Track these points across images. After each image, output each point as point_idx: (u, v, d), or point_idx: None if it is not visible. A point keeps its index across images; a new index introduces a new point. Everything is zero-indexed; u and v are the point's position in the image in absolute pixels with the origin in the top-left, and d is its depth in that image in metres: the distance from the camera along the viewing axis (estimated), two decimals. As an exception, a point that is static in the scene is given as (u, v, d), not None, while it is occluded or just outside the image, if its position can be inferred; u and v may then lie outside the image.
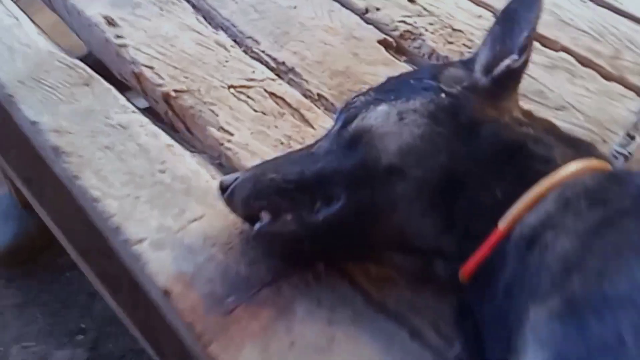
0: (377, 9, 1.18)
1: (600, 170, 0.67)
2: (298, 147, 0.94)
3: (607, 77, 1.06)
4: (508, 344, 0.57)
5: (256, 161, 0.91)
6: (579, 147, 0.71)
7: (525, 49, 0.72)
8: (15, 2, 1.28)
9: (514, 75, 0.73)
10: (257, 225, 0.76)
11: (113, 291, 1.18)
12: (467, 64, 0.77)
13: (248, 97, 1.03)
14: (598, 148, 0.73)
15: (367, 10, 1.19)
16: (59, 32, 1.35)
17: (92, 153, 0.93)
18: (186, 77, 1.06)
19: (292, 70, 1.08)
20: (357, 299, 0.75)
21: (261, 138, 0.95)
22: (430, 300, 0.74)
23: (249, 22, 1.19)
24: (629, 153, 0.94)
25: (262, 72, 1.08)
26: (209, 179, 0.89)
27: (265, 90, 1.04)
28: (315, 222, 0.72)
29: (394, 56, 1.10)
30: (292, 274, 0.76)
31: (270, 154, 0.92)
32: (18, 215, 1.96)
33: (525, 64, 0.73)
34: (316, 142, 0.79)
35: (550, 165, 0.67)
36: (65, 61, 1.10)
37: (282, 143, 0.94)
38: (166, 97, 1.04)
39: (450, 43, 1.10)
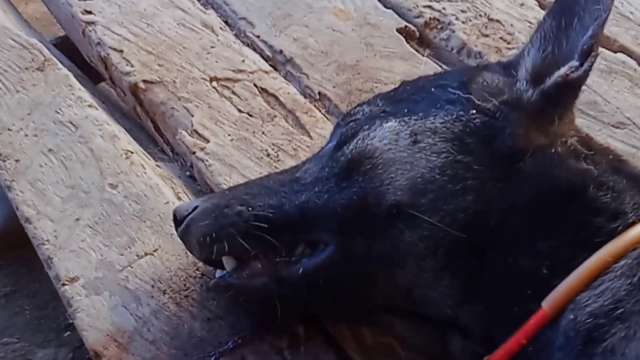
0: (399, -10, 0.97)
1: None
2: (288, 160, 0.75)
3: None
4: None
5: (234, 177, 0.72)
6: None
7: (589, 54, 0.51)
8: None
9: (571, 89, 0.53)
10: (218, 273, 0.57)
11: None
12: (509, 69, 0.57)
13: (233, 93, 0.83)
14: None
15: (386, -9, 0.98)
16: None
17: (33, 157, 0.75)
18: (160, 65, 0.87)
19: (290, 61, 0.89)
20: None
21: (243, 147, 0.76)
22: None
23: (245, 4, 0.99)
24: None
25: (253, 61, 0.88)
26: (171, 200, 0.70)
27: (255, 86, 0.84)
28: (294, 275, 0.54)
29: (415, 49, 0.89)
30: (261, 337, 0.58)
31: (253, 168, 0.73)
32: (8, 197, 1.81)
33: (587, 74, 0.52)
34: (304, 163, 0.60)
35: (618, 222, 0.47)
36: (20, 40, 0.91)
37: (268, 155, 0.75)
38: (134, 89, 0.85)
39: (485, 36, 0.89)
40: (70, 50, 1.03)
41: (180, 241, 0.60)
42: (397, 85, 0.61)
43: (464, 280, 0.50)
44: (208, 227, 0.56)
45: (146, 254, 0.65)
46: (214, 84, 0.85)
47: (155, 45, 0.90)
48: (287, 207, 0.54)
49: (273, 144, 0.76)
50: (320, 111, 0.82)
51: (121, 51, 0.89)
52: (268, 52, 0.91)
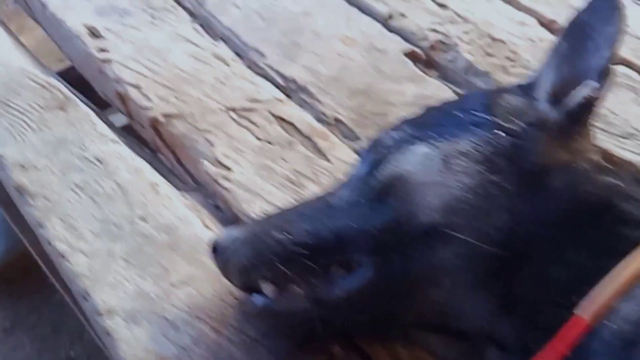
0: (402, 15, 1.01)
1: None
2: (310, 185, 0.77)
3: (681, 95, 0.88)
4: None
5: (259, 204, 0.75)
6: None
7: (607, 74, 0.55)
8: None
9: (590, 107, 0.56)
10: (258, 300, 0.59)
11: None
12: (527, 90, 0.60)
13: (251, 122, 0.86)
14: None
15: (390, 17, 1.01)
16: (48, 49, 1.20)
17: (61, 194, 0.77)
18: (178, 99, 0.90)
19: (303, 88, 0.92)
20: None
21: (265, 174, 0.78)
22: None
23: (253, 31, 1.02)
24: None
25: (268, 91, 0.91)
26: (200, 229, 0.72)
27: (272, 114, 0.87)
28: (332, 297, 0.56)
29: (423, 71, 0.93)
30: (299, 359, 0.60)
31: (277, 194, 0.76)
32: (7, 230, 1.82)
33: (605, 93, 0.55)
34: (336, 189, 0.63)
35: None
36: (39, 80, 0.94)
37: (291, 181, 0.77)
38: (154, 123, 0.87)
39: (490, 55, 0.92)
40: (76, 81, 1.04)
41: (219, 269, 0.62)
42: (422, 111, 0.64)
43: (499, 294, 0.52)
44: (249, 256, 0.58)
45: (181, 284, 0.66)
46: (232, 114, 0.87)
47: (171, 80, 0.93)
48: (324, 232, 0.57)
49: (294, 170, 0.79)
50: (336, 136, 0.84)
51: (138, 87, 0.92)
52: (280, 81, 0.93)
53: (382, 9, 1.03)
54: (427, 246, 0.53)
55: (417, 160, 0.56)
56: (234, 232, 0.61)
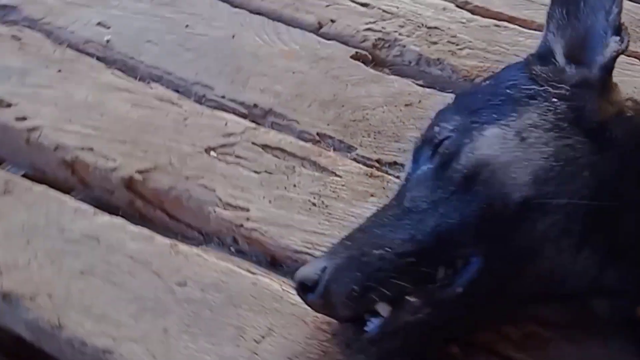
0: (332, 21, 1.04)
1: None
2: (334, 202, 0.77)
3: None
4: None
5: (297, 234, 0.73)
6: None
7: (623, 28, 0.63)
8: None
9: (616, 60, 0.64)
10: (371, 325, 0.58)
11: None
12: (545, 59, 0.67)
13: (238, 157, 0.83)
14: None
15: (320, 25, 1.04)
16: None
17: (65, 285, 0.68)
18: (145, 151, 0.84)
19: (270, 112, 0.90)
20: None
21: (285, 204, 0.77)
22: (592, 350, 0.62)
23: (184, 64, 0.98)
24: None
25: (235, 122, 0.88)
26: (252, 277, 0.69)
27: (254, 144, 0.85)
28: (453, 296, 0.57)
29: (378, 70, 0.96)
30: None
31: (308, 220, 0.74)
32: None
33: (628, 44, 0.64)
34: (399, 194, 0.64)
35: None
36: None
37: (313, 204, 0.77)
38: (128, 183, 0.81)
39: (434, 43, 0.99)
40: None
41: (313, 306, 0.60)
42: (456, 100, 0.68)
43: (602, 248, 0.58)
44: (354, 280, 0.57)
45: (264, 337, 0.63)
46: (212, 153, 0.84)
47: (124, 133, 0.86)
48: (421, 236, 0.58)
49: (311, 193, 0.78)
50: (329, 151, 0.85)
51: (91, 149, 0.84)
52: (242, 109, 0.91)
53: (309, 18, 1.05)
54: (525, 221, 0.57)
55: (493, 143, 0.59)
56: (317, 264, 0.60)
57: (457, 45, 0.98)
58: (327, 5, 1.06)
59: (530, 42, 0.99)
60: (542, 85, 0.63)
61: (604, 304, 0.60)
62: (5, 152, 0.90)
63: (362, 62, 0.98)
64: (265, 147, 0.85)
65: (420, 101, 0.90)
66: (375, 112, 0.89)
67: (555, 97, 0.62)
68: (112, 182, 0.81)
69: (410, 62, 0.98)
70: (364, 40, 1.01)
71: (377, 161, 0.83)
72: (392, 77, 0.95)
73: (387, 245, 0.58)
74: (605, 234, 0.58)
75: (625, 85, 0.69)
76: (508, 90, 0.64)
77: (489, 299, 0.59)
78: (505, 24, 1.03)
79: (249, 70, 0.96)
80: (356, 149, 0.85)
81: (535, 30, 1.02)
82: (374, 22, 1.03)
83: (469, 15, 1.04)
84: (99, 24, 1.03)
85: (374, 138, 0.86)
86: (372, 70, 0.96)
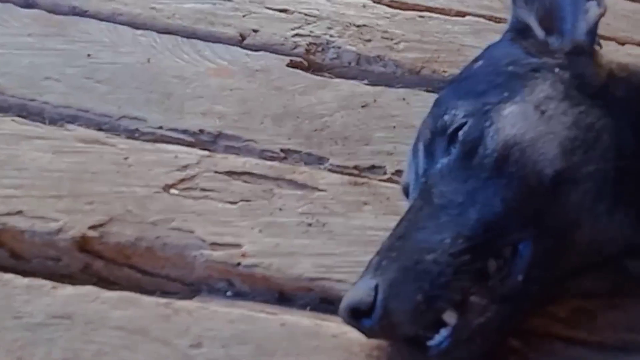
0: (255, 31, 0.98)
1: None
2: (330, 219, 0.71)
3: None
4: None
5: (308, 260, 0.66)
6: None
7: None
8: None
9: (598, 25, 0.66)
10: (441, 336, 0.54)
11: None
12: (523, 33, 0.67)
13: (203, 190, 0.74)
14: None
15: (243, 37, 0.97)
16: None
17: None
18: (90, 203, 0.71)
19: (220, 135, 0.82)
20: (569, 350, 0.60)
21: (278, 231, 0.69)
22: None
23: (100, 98, 0.86)
24: None
25: (186, 153, 0.79)
26: (276, 317, 0.61)
27: (218, 172, 0.76)
28: (515, 286, 0.55)
29: (319, 76, 0.92)
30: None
31: (312, 245, 0.68)
32: None
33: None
34: (423, 194, 0.60)
35: None
36: None
37: (310, 225, 0.70)
38: (81, 244, 0.68)
39: (369, 40, 0.97)
40: None
41: (376, 333, 0.54)
42: (449, 88, 0.66)
43: (633, 206, 0.59)
44: (417, 292, 0.52)
45: (318, 384, 0.56)
46: (173, 191, 0.74)
47: (56, 186, 0.73)
48: (467, 232, 0.55)
49: (301, 213, 0.71)
50: (302, 166, 0.79)
51: (20, 212, 0.70)
52: (187, 138, 0.82)
53: (228, 31, 0.98)
54: (560, 195, 0.57)
55: (516, 121, 0.58)
56: (366, 284, 0.54)
57: (392, 40, 0.97)
58: (244, 16, 1.00)
59: (459, 28, 1.01)
60: (540, 58, 0.63)
61: (637, 265, 0.61)
62: None
63: (300, 69, 0.93)
64: (230, 173, 0.76)
65: (375, 100, 0.88)
66: (334, 118, 0.85)
67: (557, 67, 0.62)
68: (59, 246, 0.68)
69: (350, 63, 0.95)
70: (295, 47, 0.96)
71: (355, 168, 0.79)
72: (338, 80, 0.91)
73: (437, 247, 0.54)
74: (634, 192, 0.59)
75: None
76: (510, 68, 0.63)
77: (543, 281, 0.57)
78: (428, 14, 1.03)
79: (181, 95, 0.87)
80: (328, 159, 0.80)
81: (456, 17, 1.04)
82: (300, 27, 0.98)
83: (390, 9, 1.04)
84: (-23, 67, 0.88)
85: (343, 145, 0.82)
86: (314, 76, 0.92)
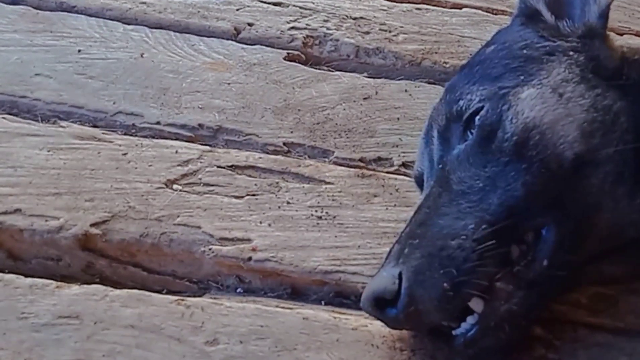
0: (250, 25, 0.97)
1: None
2: (340, 211, 0.71)
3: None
4: None
5: (320, 253, 0.65)
6: None
7: None
8: None
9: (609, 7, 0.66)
10: (467, 324, 0.53)
11: None
12: (530, 18, 0.68)
13: (207, 185, 0.73)
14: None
15: (237, 31, 0.96)
16: None
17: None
18: (91, 200, 0.70)
19: (220, 130, 0.81)
20: (594, 337, 0.60)
21: (288, 225, 0.68)
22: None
23: (94, 94, 0.84)
24: None
25: (186, 148, 0.78)
26: (292, 311, 0.60)
27: (220, 167, 0.75)
28: (540, 271, 0.55)
29: (317, 69, 0.91)
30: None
31: (324, 237, 0.67)
32: None
33: None
34: (441, 180, 0.60)
35: None
36: None
37: (320, 218, 0.69)
38: (83, 242, 0.67)
39: (367, 33, 0.96)
40: None
41: (401, 323, 0.54)
42: (461, 74, 0.65)
43: None
44: (443, 279, 0.52)
45: (339, 377, 0.55)
46: (176, 186, 0.72)
47: (54, 183, 0.72)
48: (489, 216, 0.55)
49: (310, 207, 0.71)
50: (306, 159, 0.78)
51: (18, 210, 0.68)
52: (187, 133, 0.81)
53: (222, 25, 0.97)
54: (580, 178, 0.57)
55: (534, 104, 0.58)
56: (389, 273, 0.54)
57: (391, 32, 0.96)
58: (238, 9, 0.99)
59: (457, 20, 1.02)
60: (554, 41, 0.63)
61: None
62: None
63: (298, 62, 0.92)
64: (233, 168, 0.75)
65: (377, 92, 0.87)
66: (336, 110, 0.84)
67: (571, 50, 0.62)
68: (60, 245, 0.67)
69: (348, 56, 0.94)
70: (292, 40, 0.95)
71: (361, 160, 0.78)
72: (337, 73, 0.91)
73: (461, 233, 0.54)
74: None
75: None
76: (524, 51, 0.63)
77: (567, 266, 0.57)
78: (425, 6, 1.04)
79: (178, 89, 0.86)
80: (333, 152, 0.79)
81: (453, 9, 1.05)
82: (295, 20, 0.98)
83: (386, 2, 1.04)
84: (-35, 64, 0.86)
85: (347, 137, 0.81)
86: (313, 70, 0.91)
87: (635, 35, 1.00)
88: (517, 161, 0.57)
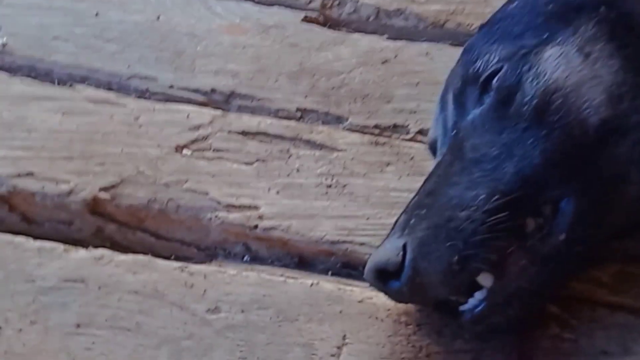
0: (267, -15, 0.94)
1: None
2: (351, 179, 0.69)
3: None
4: None
5: (329, 223, 0.64)
6: None
7: None
8: None
9: None
10: (475, 300, 0.52)
11: None
12: None
13: (217, 150, 0.72)
14: None
15: (255, -8, 0.94)
16: None
17: (61, 349, 0.55)
18: (101, 164, 0.70)
19: (233, 94, 0.80)
20: (614, 317, 0.58)
21: (297, 193, 0.68)
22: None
23: (109, 57, 0.84)
24: None
25: (197, 112, 0.77)
26: (296, 281, 0.59)
27: (231, 132, 0.74)
28: (556, 244, 0.52)
29: (337, 30, 0.89)
30: (531, 339, 0.55)
31: (333, 205, 0.66)
32: None
33: None
34: (454, 147, 0.57)
35: None
36: None
37: (329, 186, 0.68)
38: (92, 205, 0.67)
39: (388, -7, 0.93)
40: None
41: (404, 296, 0.52)
42: (481, 32, 0.62)
43: None
44: (450, 251, 0.50)
45: (339, 348, 0.54)
46: (186, 151, 0.72)
47: (67, 147, 0.72)
48: (503, 187, 0.52)
49: (320, 174, 0.70)
50: (320, 125, 0.76)
51: (31, 173, 0.69)
52: (199, 97, 0.80)
53: (238, -15, 0.94)
54: (606, 146, 0.53)
55: (557, 65, 0.54)
56: (393, 244, 0.52)
57: (414, -7, 0.93)
58: (256, -30, 0.97)
59: (484, -21, 0.97)
60: None
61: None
62: None
63: (316, 24, 0.90)
64: (244, 133, 0.74)
65: (396, 56, 0.84)
66: (353, 75, 0.82)
67: (602, 5, 0.57)
68: (70, 208, 0.68)
69: (369, 17, 0.91)
70: (310, 2, 0.92)
71: (376, 127, 0.76)
72: (356, 35, 0.88)
73: (471, 204, 0.51)
74: None
75: None
76: (549, 7, 0.58)
77: (586, 241, 0.55)
78: (451, -36, 0.99)
79: (192, 53, 0.85)
80: (347, 118, 0.77)
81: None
82: (316, -19, 0.95)
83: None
84: (-16, 27, 0.86)
85: (363, 103, 0.79)
86: (331, 32, 0.88)
87: None
88: (536, 127, 0.53)
